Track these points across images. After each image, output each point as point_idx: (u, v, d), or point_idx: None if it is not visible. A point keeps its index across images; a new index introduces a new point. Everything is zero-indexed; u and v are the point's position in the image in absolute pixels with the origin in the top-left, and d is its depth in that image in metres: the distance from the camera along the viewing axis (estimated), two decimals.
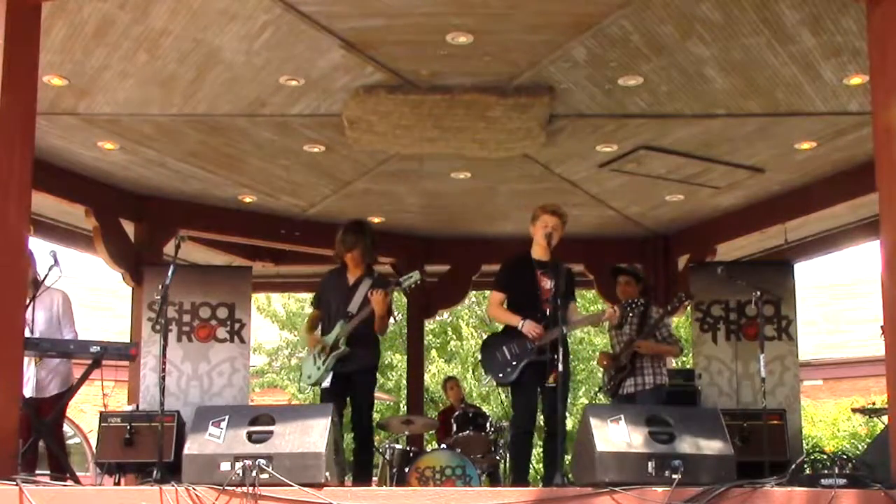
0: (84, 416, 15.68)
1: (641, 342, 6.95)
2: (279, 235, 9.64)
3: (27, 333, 6.44)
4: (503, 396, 7.28)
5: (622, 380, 6.95)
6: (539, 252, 6.37)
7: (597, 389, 7.09)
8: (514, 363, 6.18)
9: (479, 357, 6.79)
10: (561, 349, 5.58)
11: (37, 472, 6.22)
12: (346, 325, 6.39)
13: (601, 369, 7.34)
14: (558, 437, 5.53)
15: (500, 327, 6.77)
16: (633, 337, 6.99)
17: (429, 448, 8.77)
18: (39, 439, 6.25)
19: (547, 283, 6.25)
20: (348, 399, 6.52)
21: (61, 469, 6.09)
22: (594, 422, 4.65)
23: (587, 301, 16.17)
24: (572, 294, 6.33)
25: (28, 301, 6.56)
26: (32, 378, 6.61)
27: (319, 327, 6.67)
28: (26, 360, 6.56)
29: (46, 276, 6.53)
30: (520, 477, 6.24)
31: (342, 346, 6.36)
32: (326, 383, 6.37)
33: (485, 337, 8.02)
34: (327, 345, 6.43)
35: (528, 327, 6.15)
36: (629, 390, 6.92)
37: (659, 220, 9.77)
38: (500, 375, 6.28)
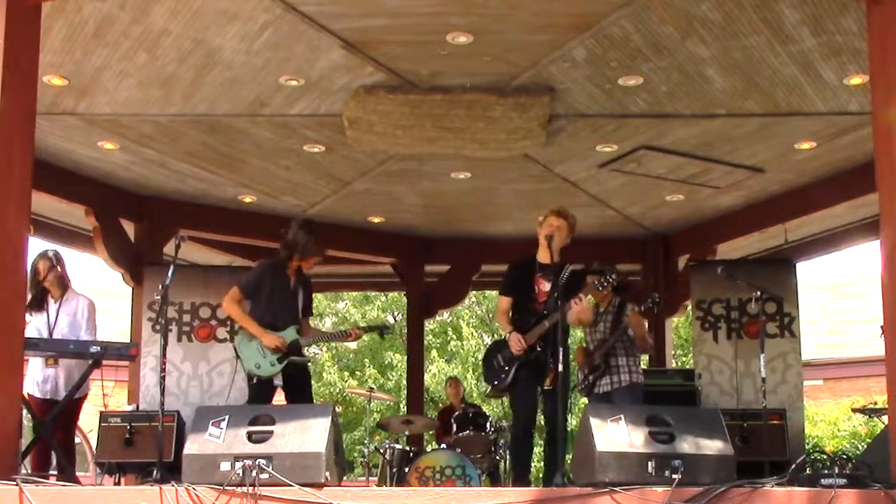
0: (84, 416, 15.67)
1: (633, 317, 6.87)
2: (279, 235, 9.62)
3: (46, 334, 6.53)
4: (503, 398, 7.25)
5: (596, 379, 6.92)
6: (543, 255, 6.36)
7: (572, 387, 6.99)
8: (507, 368, 6.22)
9: (482, 370, 6.82)
10: (561, 349, 5.58)
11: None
12: (302, 334, 6.44)
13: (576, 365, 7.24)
14: (558, 439, 5.53)
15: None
16: (605, 336, 6.93)
17: (429, 448, 8.77)
18: (39, 439, 6.26)
19: (545, 286, 6.24)
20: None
21: (64, 470, 6.10)
22: (594, 422, 4.65)
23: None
24: (576, 294, 6.26)
25: (53, 301, 6.68)
26: (51, 380, 6.63)
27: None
28: (38, 361, 6.62)
29: (46, 276, 6.58)
30: (520, 477, 6.24)
31: (305, 354, 6.50)
32: (279, 381, 6.36)
33: (489, 343, 8.04)
34: (285, 344, 6.30)
35: (511, 340, 6.19)
36: (605, 389, 6.87)
37: (659, 220, 9.78)
38: (496, 382, 6.33)
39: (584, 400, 7.93)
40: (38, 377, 6.71)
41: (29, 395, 6.72)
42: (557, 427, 5.62)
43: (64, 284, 6.84)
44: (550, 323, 5.91)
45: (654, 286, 10.13)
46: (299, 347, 6.43)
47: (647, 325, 7.07)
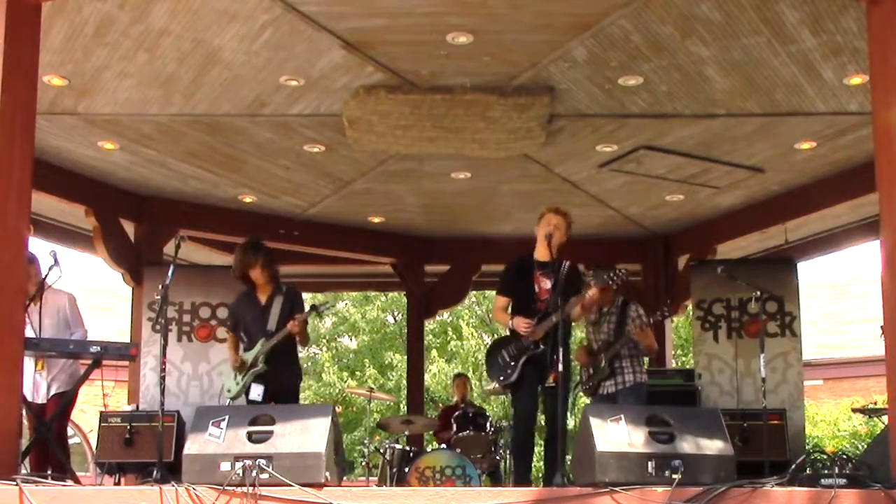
0: (84, 416, 15.67)
1: (638, 331, 6.86)
2: (279, 235, 9.65)
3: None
4: (503, 397, 7.26)
5: (601, 380, 6.91)
6: (541, 253, 6.35)
7: (574, 386, 7.03)
8: (513, 363, 6.19)
9: (485, 366, 6.81)
10: (560, 349, 5.58)
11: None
12: (265, 342, 6.47)
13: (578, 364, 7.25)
14: (558, 438, 5.53)
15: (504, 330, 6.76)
16: (609, 338, 6.92)
17: (429, 448, 8.77)
18: (39, 440, 6.25)
19: (545, 284, 6.24)
20: None
21: (62, 469, 6.08)
22: (594, 422, 4.65)
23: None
24: (577, 291, 6.28)
25: (33, 304, 6.57)
26: (43, 384, 6.60)
27: (241, 347, 6.73)
28: (29, 369, 6.56)
29: (47, 275, 6.53)
30: (522, 477, 6.24)
31: (260, 363, 6.46)
32: (257, 395, 6.44)
33: (489, 342, 8.03)
34: (247, 362, 6.51)
35: (517, 321, 6.17)
36: (609, 390, 6.86)
37: (659, 220, 9.78)
38: (502, 378, 6.30)
39: (586, 399, 7.92)
40: (29, 385, 6.67)
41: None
42: (557, 429, 5.62)
43: (41, 286, 6.57)
44: (557, 318, 5.88)
45: (654, 286, 10.14)
46: (257, 359, 6.49)
47: (652, 335, 7.05)
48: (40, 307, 6.53)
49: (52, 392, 6.54)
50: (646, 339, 6.86)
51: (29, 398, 6.57)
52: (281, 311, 6.53)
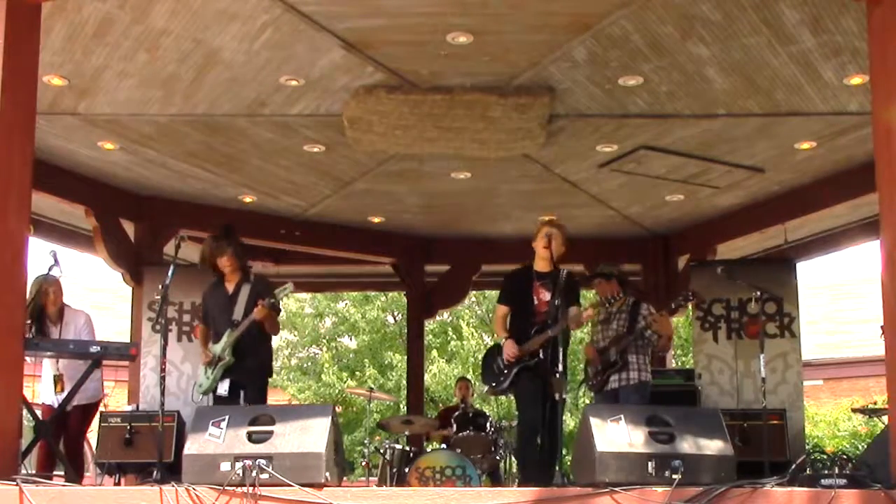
0: None
1: (659, 317, 6.89)
2: (279, 235, 9.65)
3: (56, 361, 6.48)
4: (503, 398, 7.28)
5: (609, 376, 6.92)
6: (541, 264, 6.43)
7: (579, 384, 7.04)
8: (506, 371, 6.30)
9: (480, 369, 6.88)
10: (562, 357, 5.60)
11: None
12: (231, 333, 6.33)
13: (586, 362, 7.29)
14: (558, 441, 5.56)
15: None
16: (621, 333, 6.93)
17: (429, 448, 8.77)
18: (39, 441, 6.25)
19: (544, 296, 6.29)
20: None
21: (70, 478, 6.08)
22: (594, 422, 4.65)
23: (588, 301, 16.16)
24: (576, 300, 6.35)
25: (54, 326, 6.65)
26: (64, 394, 6.61)
27: (210, 341, 6.58)
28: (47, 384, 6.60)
29: (47, 274, 6.55)
30: (528, 477, 6.23)
31: (227, 356, 6.32)
32: (224, 391, 6.29)
33: (489, 343, 8.09)
34: (215, 355, 6.38)
35: (506, 348, 6.29)
36: (613, 386, 6.88)
37: (659, 220, 9.78)
38: (494, 385, 6.42)
39: (586, 399, 7.92)
40: (52, 397, 6.71)
41: (45, 404, 6.72)
42: (557, 428, 5.64)
43: (62, 305, 6.82)
44: (554, 332, 5.90)
45: (654, 286, 10.14)
46: (224, 351, 6.35)
47: (670, 321, 7.09)
48: (60, 328, 6.62)
49: (74, 403, 6.54)
50: (665, 326, 6.90)
51: (48, 403, 6.62)
52: (248, 301, 6.39)
